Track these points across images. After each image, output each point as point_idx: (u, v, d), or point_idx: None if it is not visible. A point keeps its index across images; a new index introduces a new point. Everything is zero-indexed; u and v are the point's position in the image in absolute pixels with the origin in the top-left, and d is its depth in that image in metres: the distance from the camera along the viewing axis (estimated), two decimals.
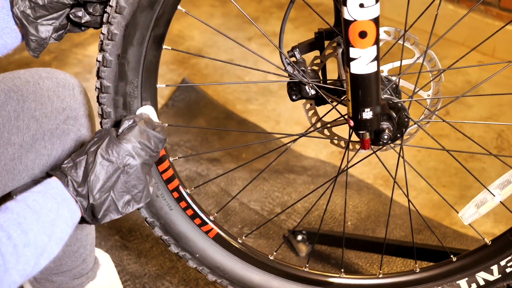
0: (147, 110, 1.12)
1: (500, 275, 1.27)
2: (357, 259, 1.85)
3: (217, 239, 1.30)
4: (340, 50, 1.19)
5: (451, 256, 1.32)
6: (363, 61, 1.03)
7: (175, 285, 1.77)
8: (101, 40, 1.07)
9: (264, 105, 2.51)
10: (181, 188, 1.24)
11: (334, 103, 1.21)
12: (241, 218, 1.99)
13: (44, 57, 2.69)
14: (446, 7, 2.73)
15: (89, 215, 1.04)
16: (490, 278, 1.28)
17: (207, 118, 2.43)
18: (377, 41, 1.01)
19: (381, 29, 1.14)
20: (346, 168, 1.28)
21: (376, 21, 0.99)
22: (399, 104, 1.17)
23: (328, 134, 1.28)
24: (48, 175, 1.05)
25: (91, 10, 1.09)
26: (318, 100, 1.24)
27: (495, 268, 1.27)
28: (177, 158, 1.25)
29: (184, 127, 2.38)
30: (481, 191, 1.25)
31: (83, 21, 1.10)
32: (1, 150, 1.20)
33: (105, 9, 1.06)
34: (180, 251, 1.28)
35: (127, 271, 1.81)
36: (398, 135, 1.18)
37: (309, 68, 1.19)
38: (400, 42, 1.15)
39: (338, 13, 1.17)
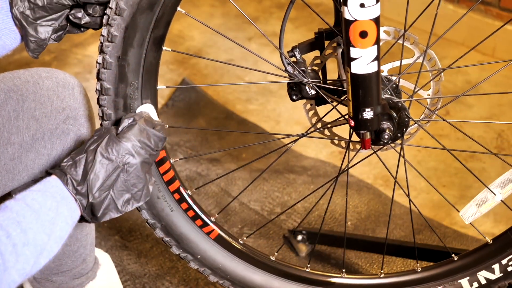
0: (147, 109, 1.12)
1: (501, 274, 1.27)
2: (357, 259, 1.85)
3: (219, 240, 1.30)
4: (340, 50, 1.19)
5: (453, 255, 1.32)
6: (363, 61, 1.03)
7: (175, 285, 1.77)
8: (101, 42, 1.07)
9: (264, 105, 2.51)
10: (182, 189, 1.24)
11: (334, 103, 1.21)
12: (241, 218, 1.99)
13: (44, 57, 2.69)
14: (446, 7, 2.73)
15: (89, 214, 1.04)
16: (492, 276, 1.28)
17: (207, 118, 2.43)
18: (377, 41, 1.01)
19: (381, 29, 1.14)
20: (346, 168, 1.28)
21: (376, 21, 0.99)
22: (400, 104, 1.17)
23: (329, 134, 1.28)
24: (47, 173, 1.05)
25: (90, 11, 1.09)
26: (318, 100, 1.24)
27: (496, 267, 1.27)
28: (177, 159, 1.25)
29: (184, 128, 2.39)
30: (482, 190, 1.25)
31: (82, 22, 1.10)
32: (1, 149, 1.20)
33: (105, 10, 1.06)
34: (182, 252, 1.28)
35: (127, 271, 1.81)
36: (399, 134, 1.18)
37: (309, 68, 1.19)
38: (400, 41, 1.15)
39: (338, 13, 1.17)
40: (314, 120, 1.26)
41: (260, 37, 2.88)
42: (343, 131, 1.27)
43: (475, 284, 1.30)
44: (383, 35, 1.16)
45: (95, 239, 1.53)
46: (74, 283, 1.42)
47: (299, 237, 1.88)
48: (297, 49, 1.19)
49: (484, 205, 1.24)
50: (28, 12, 1.07)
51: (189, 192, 1.26)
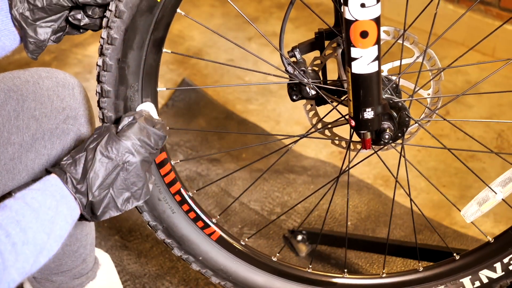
0: (147, 107, 1.11)
1: (503, 273, 1.27)
2: (357, 259, 1.85)
3: (220, 241, 1.30)
4: (340, 51, 1.19)
5: (454, 254, 1.32)
6: (364, 61, 1.03)
7: (175, 285, 1.77)
8: (101, 45, 1.07)
9: (264, 105, 2.51)
10: (183, 191, 1.24)
11: (335, 104, 1.21)
12: (241, 218, 1.99)
13: (44, 57, 2.69)
14: (446, 7, 2.73)
15: (88, 212, 1.04)
16: (494, 275, 1.28)
17: (207, 118, 2.43)
18: (378, 41, 1.02)
19: (381, 29, 1.14)
20: (347, 168, 1.28)
21: (377, 21, 1.00)
22: (400, 104, 1.16)
23: (329, 134, 1.28)
24: (47, 172, 1.04)
25: (90, 13, 1.08)
26: (319, 100, 1.24)
27: (498, 265, 1.27)
28: (178, 161, 1.25)
29: (185, 127, 2.38)
30: (483, 189, 1.25)
31: (82, 24, 1.10)
32: (1, 149, 1.20)
33: (104, 12, 1.06)
34: (183, 254, 1.28)
35: (127, 271, 1.80)
36: (399, 134, 1.18)
37: (309, 68, 1.19)
38: (400, 41, 1.15)
39: (338, 13, 1.17)
40: (314, 120, 1.26)
41: (260, 37, 2.87)
42: (343, 131, 1.27)
43: (477, 283, 1.30)
44: (382, 35, 1.16)
45: (95, 239, 1.53)
46: (74, 283, 1.42)
47: (299, 237, 1.88)
48: (297, 49, 1.19)
49: (485, 204, 1.24)
50: (27, 13, 1.06)
51: (190, 193, 1.25)
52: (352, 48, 1.02)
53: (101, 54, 1.07)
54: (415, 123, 1.22)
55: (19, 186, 1.24)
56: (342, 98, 1.20)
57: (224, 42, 2.87)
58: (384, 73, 1.18)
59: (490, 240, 1.28)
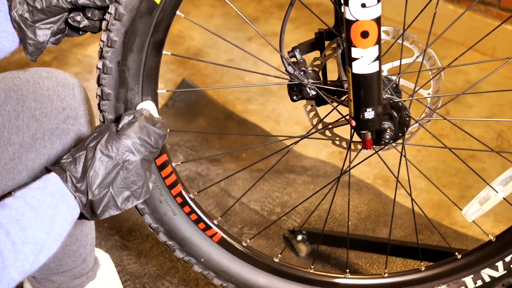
0: (148, 106, 1.11)
1: (505, 271, 1.27)
2: (357, 259, 1.85)
3: (222, 243, 1.30)
4: (340, 51, 1.19)
5: (456, 253, 1.32)
6: (365, 61, 1.03)
7: (175, 285, 1.77)
8: (100, 47, 1.07)
9: (264, 105, 2.51)
10: (184, 193, 1.24)
11: (335, 104, 1.21)
12: (241, 218, 1.99)
13: (44, 57, 2.69)
14: (446, 7, 2.74)
15: (88, 211, 1.04)
16: (496, 274, 1.28)
17: (207, 118, 2.43)
18: (379, 41, 1.01)
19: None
20: (348, 168, 1.28)
21: (377, 21, 0.99)
22: (400, 104, 1.16)
23: (330, 135, 1.28)
24: (47, 170, 1.04)
25: (89, 15, 1.08)
26: (319, 101, 1.24)
27: (500, 264, 1.27)
28: (179, 163, 1.25)
29: (185, 127, 2.38)
30: (484, 188, 1.25)
31: (81, 26, 1.09)
32: (1, 149, 1.20)
33: (104, 14, 1.06)
34: (185, 256, 1.28)
35: (127, 271, 1.80)
36: (400, 134, 1.18)
37: (309, 68, 1.18)
38: (399, 41, 1.15)
39: (338, 13, 1.17)
40: (315, 121, 1.26)
41: (260, 37, 2.87)
42: (343, 131, 1.27)
43: (479, 282, 1.30)
44: (382, 35, 1.16)
45: (95, 239, 1.53)
46: (74, 283, 1.42)
47: (299, 237, 1.88)
48: (297, 50, 1.19)
49: (487, 203, 1.24)
50: (27, 15, 1.06)
51: (191, 195, 1.25)
52: (352, 48, 1.02)
53: (101, 57, 1.07)
54: (416, 122, 1.22)
55: (19, 186, 1.24)
56: (343, 99, 1.20)
57: (224, 42, 2.87)
58: (384, 73, 1.18)
59: (492, 239, 1.28)
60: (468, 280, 1.30)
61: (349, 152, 1.27)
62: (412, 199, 1.32)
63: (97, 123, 1.16)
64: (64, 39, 1.16)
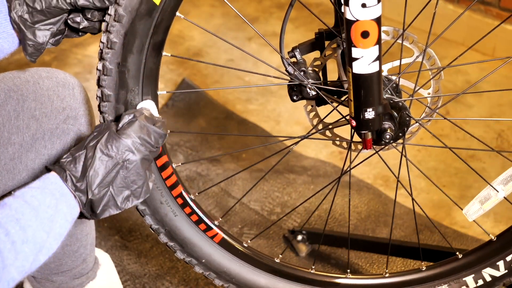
0: (148, 105, 1.11)
1: (506, 271, 1.27)
2: (357, 259, 1.85)
3: (223, 243, 1.30)
4: (340, 51, 1.19)
5: (457, 253, 1.32)
6: (365, 61, 1.03)
7: (175, 285, 1.77)
8: (100, 49, 1.07)
9: (264, 105, 2.51)
10: (185, 194, 1.24)
11: (335, 104, 1.21)
12: (241, 218, 1.99)
13: (44, 57, 2.69)
14: (446, 7, 2.74)
15: (88, 211, 1.04)
16: (497, 273, 1.28)
17: (207, 118, 2.43)
18: (379, 41, 1.01)
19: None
20: (349, 169, 1.28)
21: (378, 21, 0.99)
22: (400, 103, 1.16)
23: (330, 135, 1.28)
24: (47, 169, 1.04)
25: (89, 16, 1.08)
26: (319, 101, 1.24)
27: (501, 263, 1.27)
28: (180, 164, 1.25)
29: (185, 127, 2.38)
30: (485, 188, 1.25)
31: (81, 27, 1.09)
32: (1, 149, 1.20)
33: (103, 15, 1.06)
34: (186, 257, 1.28)
35: (127, 271, 1.80)
36: (400, 134, 1.18)
37: (309, 68, 1.18)
38: (399, 41, 1.15)
39: (337, 14, 1.17)
40: (315, 121, 1.26)
41: (260, 37, 2.87)
42: (344, 132, 1.27)
43: (480, 282, 1.30)
44: (382, 35, 1.16)
45: (95, 239, 1.53)
46: (74, 283, 1.42)
47: (299, 237, 1.88)
48: (298, 50, 1.19)
49: (487, 202, 1.24)
50: (26, 16, 1.06)
51: (192, 196, 1.25)
52: (353, 48, 1.02)
53: (101, 58, 1.07)
54: (416, 122, 1.22)
55: (19, 185, 1.24)
56: (343, 99, 1.20)
57: (224, 42, 2.87)
58: (384, 73, 1.18)
59: (493, 238, 1.28)
60: (469, 279, 1.30)
61: (349, 152, 1.27)
62: (413, 199, 1.32)
63: (97, 123, 1.16)
64: (64, 39, 1.16)
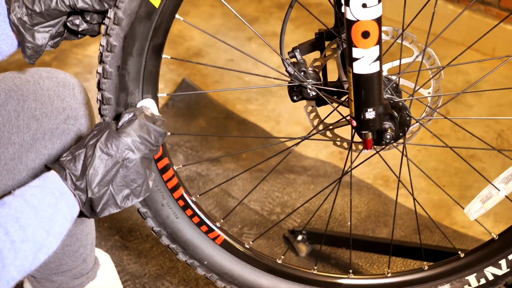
0: (148, 103, 1.11)
1: (508, 269, 1.27)
2: (357, 259, 1.85)
3: (225, 245, 1.30)
4: (339, 52, 1.19)
5: (459, 252, 1.32)
6: (366, 61, 1.03)
7: (175, 285, 1.77)
8: (100, 52, 1.07)
9: (264, 105, 2.51)
10: (186, 196, 1.24)
11: (335, 105, 1.21)
12: (241, 218, 1.99)
13: (44, 57, 2.69)
14: (446, 7, 2.74)
15: (88, 209, 1.04)
16: (499, 272, 1.28)
17: (207, 118, 2.43)
18: (379, 41, 1.01)
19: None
20: (350, 169, 1.28)
21: (378, 21, 0.99)
22: (400, 103, 1.16)
23: (331, 135, 1.28)
24: (46, 168, 1.04)
25: (88, 19, 1.08)
26: (319, 101, 1.24)
27: (503, 262, 1.27)
28: (180, 166, 1.25)
29: (185, 127, 2.38)
30: (486, 187, 1.25)
31: (80, 29, 1.09)
32: (2, 149, 1.20)
33: (103, 18, 1.06)
34: (188, 259, 1.28)
35: (127, 271, 1.80)
36: (400, 134, 1.18)
37: (310, 68, 1.18)
38: (399, 41, 1.15)
39: (337, 15, 1.17)
40: (315, 122, 1.26)
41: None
42: (344, 132, 1.27)
43: (483, 280, 1.30)
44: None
45: (95, 239, 1.53)
46: (74, 283, 1.42)
47: (299, 237, 1.88)
48: (298, 50, 1.19)
49: (489, 201, 1.24)
50: (25, 18, 1.06)
51: (193, 198, 1.25)
52: (353, 49, 1.02)
53: (101, 61, 1.07)
54: (416, 122, 1.22)
55: (19, 185, 1.24)
56: (343, 99, 1.20)
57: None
58: (384, 73, 1.18)
59: (495, 237, 1.28)
60: (472, 278, 1.30)
61: (350, 152, 1.27)
62: (414, 199, 1.32)
63: None
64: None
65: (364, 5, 0.97)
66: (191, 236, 1.27)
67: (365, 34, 1.00)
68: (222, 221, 1.30)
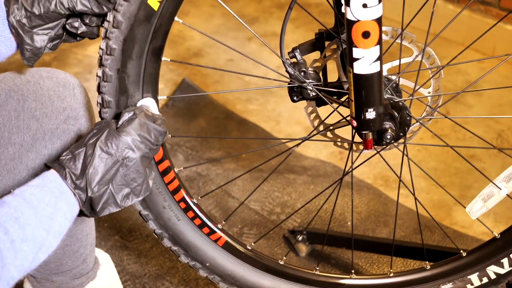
0: (148, 103, 1.11)
1: (511, 268, 1.28)
2: (357, 259, 1.85)
3: (226, 247, 1.30)
4: (339, 52, 1.19)
5: (461, 251, 1.32)
6: (366, 61, 1.03)
7: (175, 285, 1.77)
8: (100, 55, 1.07)
9: (264, 105, 2.51)
10: (187, 198, 1.24)
11: (335, 105, 1.21)
12: (241, 218, 1.99)
13: (44, 57, 2.69)
14: (446, 7, 2.74)
15: (88, 208, 1.04)
16: (501, 271, 1.28)
17: (207, 118, 2.43)
18: (380, 41, 1.01)
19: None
20: (351, 169, 1.28)
21: (379, 21, 1.00)
22: (401, 103, 1.16)
23: (331, 136, 1.28)
24: (46, 167, 1.04)
25: (87, 21, 1.08)
26: (320, 101, 1.24)
27: (505, 261, 1.27)
28: (181, 168, 1.25)
29: (185, 127, 2.38)
30: (487, 185, 1.25)
31: (79, 32, 1.09)
32: (2, 149, 1.20)
33: (102, 21, 1.06)
34: (190, 261, 1.28)
35: (127, 271, 1.80)
36: (401, 134, 1.19)
37: (310, 69, 1.18)
38: (398, 41, 1.15)
39: (337, 15, 1.17)
40: (316, 123, 1.26)
41: (260, 37, 2.87)
42: (344, 132, 1.27)
43: (485, 279, 1.30)
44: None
45: (95, 239, 1.53)
46: (75, 283, 1.42)
47: (299, 237, 1.88)
48: (298, 50, 1.19)
49: (490, 200, 1.24)
50: (24, 21, 1.06)
51: (194, 200, 1.25)
52: (354, 49, 1.02)
53: (101, 64, 1.07)
54: (417, 122, 1.22)
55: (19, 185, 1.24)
56: (343, 100, 1.20)
57: (224, 42, 2.87)
58: (384, 73, 1.17)
59: (497, 235, 1.28)
60: (474, 277, 1.30)
61: (351, 153, 1.27)
62: (415, 199, 1.32)
63: None
64: None
65: (364, 5, 0.97)
66: (193, 238, 1.27)
67: (366, 34, 1.00)
68: (223, 222, 1.30)
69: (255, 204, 2.04)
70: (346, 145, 1.27)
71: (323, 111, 1.25)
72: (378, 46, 1.02)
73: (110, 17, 1.03)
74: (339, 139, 1.27)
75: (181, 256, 1.28)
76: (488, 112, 2.41)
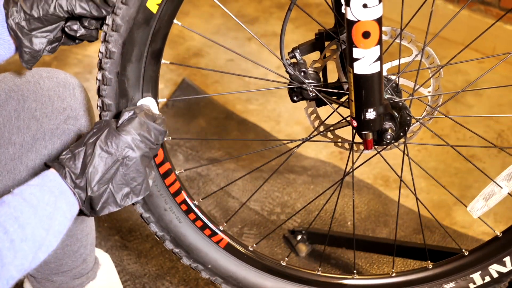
0: (148, 102, 1.11)
1: None
2: (357, 259, 1.85)
3: (228, 248, 1.30)
4: (339, 53, 1.19)
5: (463, 250, 1.32)
6: (366, 61, 1.03)
7: (175, 285, 1.77)
8: (99, 59, 1.07)
9: (264, 105, 2.51)
10: (188, 200, 1.24)
11: (335, 106, 1.21)
12: (241, 218, 1.99)
13: (44, 57, 2.69)
14: (446, 7, 2.74)
15: (87, 208, 1.04)
16: (503, 270, 1.28)
17: (207, 118, 2.43)
18: (380, 41, 1.01)
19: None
20: (351, 170, 1.28)
21: (379, 21, 0.99)
22: (400, 103, 1.16)
23: (331, 136, 1.28)
24: (46, 166, 1.04)
25: (86, 24, 1.08)
26: (320, 101, 1.24)
27: (507, 259, 1.27)
28: (183, 171, 1.25)
29: (185, 127, 2.38)
30: (488, 184, 1.25)
31: (78, 35, 1.09)
32: (2, 150, 1.20)
33: (101, 24, 1.06)
34: (192, 263, 1.28)
35: (127, 271, 1.80)
36: (401, 134, 1.18)
37: (310, 69, 1.18)
38: (397, 41, 1.15)
39: (337, 15, 1.17)
40: (316, 123, 1.26)
41: (260, 36, 2.87)
42: (344, 132, 1.27)
43: (487, 278, 1.30)
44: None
45: (95, 239, 1.53)
46: (75, 283, 1.42)
47: (299, 237, 1.88)
48: (298, 50, 1.19)
49: (492, 198, 1.24)
50: (23, 23, 1.06)
51: (195, 202, 1.25)
52: (354, 49, 1.02)
53: (100, 68, 1.07)
54: (417, 121, 1.22)
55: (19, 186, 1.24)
56: (343, 100, 1.20)
57: (223, 42, 2.87)
58: (383, 73, 1.17)
59: (499, 234, 1.28)
60: (476, 276, 1.30)
61: (351, 153, 1.27)
62: (417, 199, 1.32)
63: None
64: None
65: (364, 5, 0.97)
66: (194, 240, 1.27)
67: (366, 35, 1.00)
68: (225, 224, 1.30)
69: (255, 204, 2.04)
70: (346, 145, 1.27)
71: (323, 111, 1.25)
72: (378, 46, 1.02)
73: (109, 20, 1.03)
74: (339, 140, 1.27)
75: (183, 258, 1.27)
76: (488, 112, 2.41)
